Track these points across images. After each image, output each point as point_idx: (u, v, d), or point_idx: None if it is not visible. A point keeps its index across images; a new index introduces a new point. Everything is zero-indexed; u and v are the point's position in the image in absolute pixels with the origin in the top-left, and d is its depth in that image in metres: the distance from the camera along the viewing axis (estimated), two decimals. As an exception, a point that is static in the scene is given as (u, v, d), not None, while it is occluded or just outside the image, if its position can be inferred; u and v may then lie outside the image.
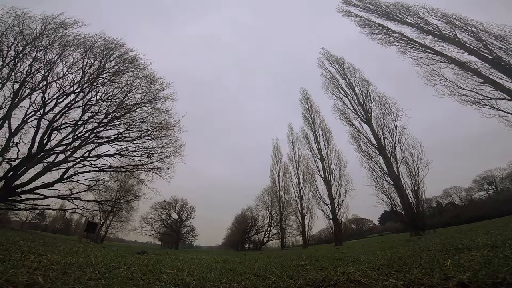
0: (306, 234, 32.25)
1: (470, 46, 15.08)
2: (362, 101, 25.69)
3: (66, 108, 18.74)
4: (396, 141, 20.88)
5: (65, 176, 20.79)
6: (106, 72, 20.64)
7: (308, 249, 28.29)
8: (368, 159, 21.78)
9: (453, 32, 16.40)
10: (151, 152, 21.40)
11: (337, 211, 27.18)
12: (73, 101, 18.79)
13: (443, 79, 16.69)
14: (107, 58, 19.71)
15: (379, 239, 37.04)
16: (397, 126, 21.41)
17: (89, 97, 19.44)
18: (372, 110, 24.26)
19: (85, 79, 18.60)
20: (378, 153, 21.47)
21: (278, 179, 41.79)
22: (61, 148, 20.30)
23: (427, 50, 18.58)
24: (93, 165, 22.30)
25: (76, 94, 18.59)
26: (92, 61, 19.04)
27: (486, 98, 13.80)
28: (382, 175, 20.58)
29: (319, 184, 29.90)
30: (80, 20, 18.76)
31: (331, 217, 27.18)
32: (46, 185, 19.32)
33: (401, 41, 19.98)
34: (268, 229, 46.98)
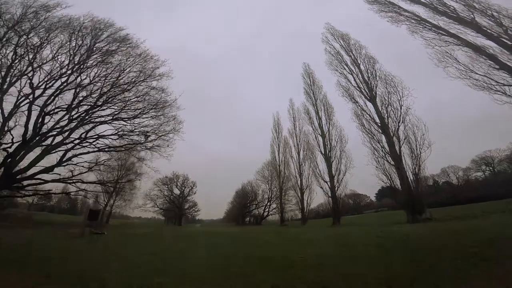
0: (305, 211, 33.24)
1: (488, 31, 14.03)
2: (367, 78, 24.64)
3: (58, 91, 17.90)
4: (400, 120, 20.40)
5: (64, 159, 20.62)
6: (97, 53, 19.44)
7: (306, 226, 29.36)
8: (371, 137, 21.50)
9: (472, 15, 15.19)
10: (148, 134, 21.01)
11: (336, 188, 27.62)
12: (65, 84, 17.91)
13: (456, 62, 15.81)
14: (96, 39, 18.60)
15: (376, 218, 38.20)
16: (402, 105, 20.76)
17: (81, 79, 18.57)
18: (377, 88, 23.37)
19: (76, 60, 17.57)
20: (381, 131, 21.12)
21: (278, 154, 41.80)
22: (57, 130, 19.87)
23: (440, 31, 17.38)
24: (92, 146, 22.09)
25: (66, 76, 17.66)
26: (80, 42, 17.89)
27: (499, 84, 13.17)
28: (383, 154, 20.45)
29: (319, 161, 29.97)
30: (64, 1, 17.10)
31: (330, 195, 27.74)
32: (46, 170, 19.22)
33: (413, 21, 18.56)
34: (268, 203, 48.50)
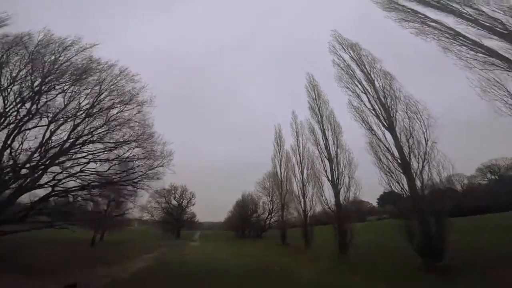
0: (309, 238, 30.71)
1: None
2: (383, 99, 21.29)
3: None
4: (424, 159, 17.34)
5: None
6: (61, 79, 16.00)
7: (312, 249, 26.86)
8: (389, 177, 18.54)
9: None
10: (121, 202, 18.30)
11: (343, 219, 25.13)
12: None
13: (507, 94, 12.71)
14: (49, 64, 15.15)
15: (380, 231, 35.88)
16: (427, 140, 17.62)
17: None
18: (397, 113, 20.08)
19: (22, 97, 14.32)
20: (401, 171, 18.18)
21: (280, 169, 39.34)
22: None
23: (481, 50, 14.10)
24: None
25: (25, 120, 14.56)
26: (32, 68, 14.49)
27: None
28: (406, 200, 17.69)
29: (326, 188, 27.10)
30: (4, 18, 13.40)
31: (336, 226, 25.30)
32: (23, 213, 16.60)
33: (447, 35, 15.19)
34: (269, 216, 46.60)
